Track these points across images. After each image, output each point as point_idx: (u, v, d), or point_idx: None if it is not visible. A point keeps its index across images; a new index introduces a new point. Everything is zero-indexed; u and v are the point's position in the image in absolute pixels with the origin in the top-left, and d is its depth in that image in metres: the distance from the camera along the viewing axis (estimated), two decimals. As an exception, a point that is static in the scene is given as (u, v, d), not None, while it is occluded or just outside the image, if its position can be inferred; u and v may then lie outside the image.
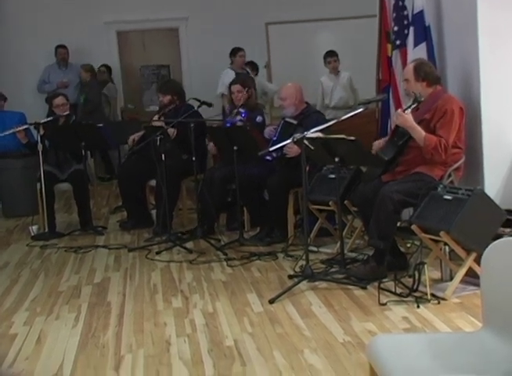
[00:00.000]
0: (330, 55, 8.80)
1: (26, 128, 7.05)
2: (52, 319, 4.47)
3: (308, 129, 4.94)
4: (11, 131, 6.94)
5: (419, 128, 4.75)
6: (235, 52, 9.31)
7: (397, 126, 4.94)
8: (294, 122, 5.96)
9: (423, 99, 4.80)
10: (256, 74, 9.52)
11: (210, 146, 6.55)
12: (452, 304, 4.26)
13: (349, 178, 5.41)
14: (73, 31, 10.46)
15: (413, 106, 4.81)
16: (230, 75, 8.67)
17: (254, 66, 9.60)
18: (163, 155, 6.06)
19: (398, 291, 4.44)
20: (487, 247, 2.64)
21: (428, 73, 4.89)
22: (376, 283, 4.54)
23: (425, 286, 4.33)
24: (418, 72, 4.87)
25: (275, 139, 6.03)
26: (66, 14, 10.47)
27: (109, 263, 5.79)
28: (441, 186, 4.56)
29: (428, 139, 4.72)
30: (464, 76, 5.21)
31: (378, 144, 5.15)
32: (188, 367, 3.58)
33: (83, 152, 6.72)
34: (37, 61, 10.32)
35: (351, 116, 5.03)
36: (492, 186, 4.96)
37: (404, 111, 4.79)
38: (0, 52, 10.25)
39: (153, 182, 6.79)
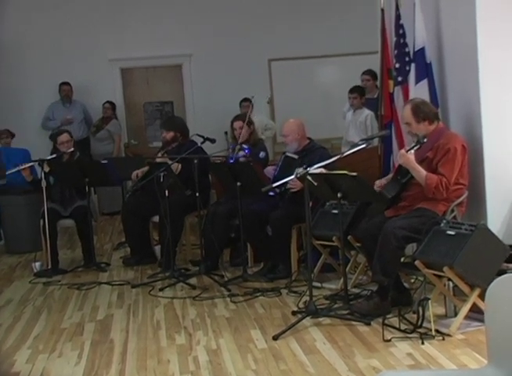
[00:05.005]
0: (350, 91, 8.33)
1: (31, 166, 7.09)
2: (54, 357, 4.45)
3: (311, 165, 4.96)
4: (16, 169, 6.97)
5: (420, 168, 4.77)
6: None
7: (400, 165, 4.95)
8: (295, 157, 5.99)
9: (425, 140, 4.81)
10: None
11: None
12: (457, 340, 4.24)
13: (352, 214, 5.41)
14: (78, 68, 10.54)
15: (416, 147, 4.83)
16: None
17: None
18: (166, 191, 6.08)
19: (403, 327, 4.41)
20: (491, 282, 2.63)
21: (427, 112, 4.90)
22: (380, 319, 4.52)
23: (429, 322, 4.30)
24: (417, 114, 4.87)
25: (275, 173, 6.06)
26: (71, 51, 10.57)
27: (113, 300, 5.78)
28: (445, 221, 4.56)
29: (429, 178, 4.73)
30: (466, 112, 5.24)
31: (379, 183, 5.17)
32: (191, 405, 3.56)
33: (87, 188, 6.75)
34: (42, 98, 10.39)
35: (354, 152, 5.05)
36: (495, 222, 4.96)
37: (407, 151, 4.82)
38: (4, 90, 10.33)
39: (156, 218, 6.80)
